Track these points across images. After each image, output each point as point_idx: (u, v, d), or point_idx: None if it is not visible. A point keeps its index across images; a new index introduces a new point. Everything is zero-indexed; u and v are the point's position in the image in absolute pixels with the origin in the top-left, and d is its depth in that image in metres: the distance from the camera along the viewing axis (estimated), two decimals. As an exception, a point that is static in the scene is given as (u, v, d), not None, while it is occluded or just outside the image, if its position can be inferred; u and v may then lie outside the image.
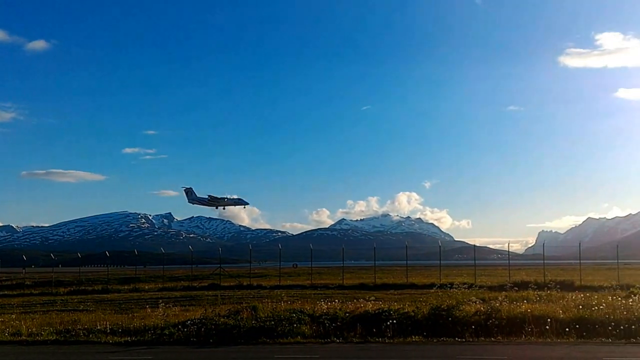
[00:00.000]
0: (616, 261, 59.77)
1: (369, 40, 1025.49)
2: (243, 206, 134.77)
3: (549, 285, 40.69)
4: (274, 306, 29.19)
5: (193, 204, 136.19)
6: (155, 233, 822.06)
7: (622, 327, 23.48)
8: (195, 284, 62.28)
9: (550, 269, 62.20)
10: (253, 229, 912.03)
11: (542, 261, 61.05)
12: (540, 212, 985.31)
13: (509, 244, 65.47)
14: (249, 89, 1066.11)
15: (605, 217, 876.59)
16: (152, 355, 21.70)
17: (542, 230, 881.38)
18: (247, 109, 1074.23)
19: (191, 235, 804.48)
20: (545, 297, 31.72)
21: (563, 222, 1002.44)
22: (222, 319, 25.93)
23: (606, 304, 26.93)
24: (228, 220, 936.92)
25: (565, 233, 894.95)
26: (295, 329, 24.70)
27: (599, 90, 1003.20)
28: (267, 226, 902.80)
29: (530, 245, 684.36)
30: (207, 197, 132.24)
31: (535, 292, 34.34)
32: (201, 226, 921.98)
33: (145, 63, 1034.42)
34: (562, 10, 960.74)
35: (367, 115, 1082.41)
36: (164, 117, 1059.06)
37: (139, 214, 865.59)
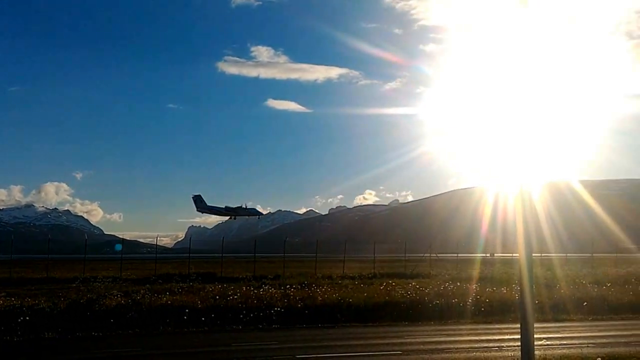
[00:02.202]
0: (253, 254, 65.19)
1: (35, 23, 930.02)
2: (257, 217, 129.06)
3: (192, 277, 42.57)
4: None
5: (203, 212, 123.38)
6: None
7: (252, 315, 25.97)
8: None
9: (196, 262, 64.70)
10: None
11: (189, 254, 63.40)
12: (190, 208, 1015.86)
13: (157, 238, 66.93)
14: None
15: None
16: None
17: (192, 225, 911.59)
18: None
19: None
20: (186, 288, 33.21)
21: (212, 218, 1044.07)
22: None
23: (240, 293, 29.57)
24: None
25: (212, 228, 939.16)
26: None
27: (251, 98, 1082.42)
28: None
29: (179, 239, 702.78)
30: (223, 207, 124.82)
31: (179, 285, 35.64)
32: None
33: None
34: (223, 19, 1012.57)
35: (15, 97, 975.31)
36: None
37: None
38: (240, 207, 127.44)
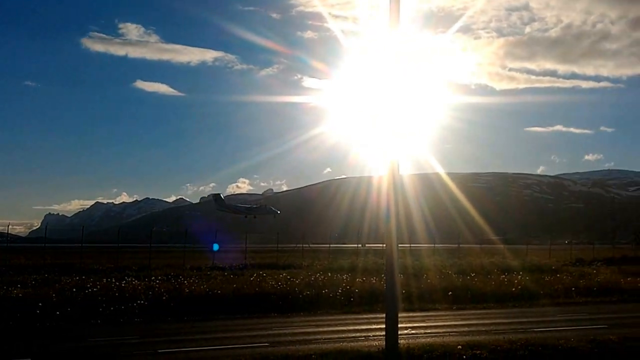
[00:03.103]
0: (117, 245, 62.70)
1: None
2: (273, 215, 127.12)
3: (47, 268, 40.38)
4: None
5: (222, 211, 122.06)
6: None
7: (112, 308, 24.65)
8: None
9: (53, 253, 60.81)
10: None
11: (44, 244, 59.51)
12: (47, 195, 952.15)
13: (9, 226, 62.31)
14: None
15: (113, 202, 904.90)
16: None
17: (49, 213, 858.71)
18: None
19: None
20: (40, 280, 31.44)
21: (72, 206, 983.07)
22: None
23: (101, 285, 28.08)
24: None
25: (72, 216, 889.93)
26: None
27: (118, 78, 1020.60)
28: None
29: (35, 228, 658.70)
30: (244, 207, 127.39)
31: (32, 276, 33.51)
32: None
33: None
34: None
35: None
36: None
37: None
38: (261, 206, 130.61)
